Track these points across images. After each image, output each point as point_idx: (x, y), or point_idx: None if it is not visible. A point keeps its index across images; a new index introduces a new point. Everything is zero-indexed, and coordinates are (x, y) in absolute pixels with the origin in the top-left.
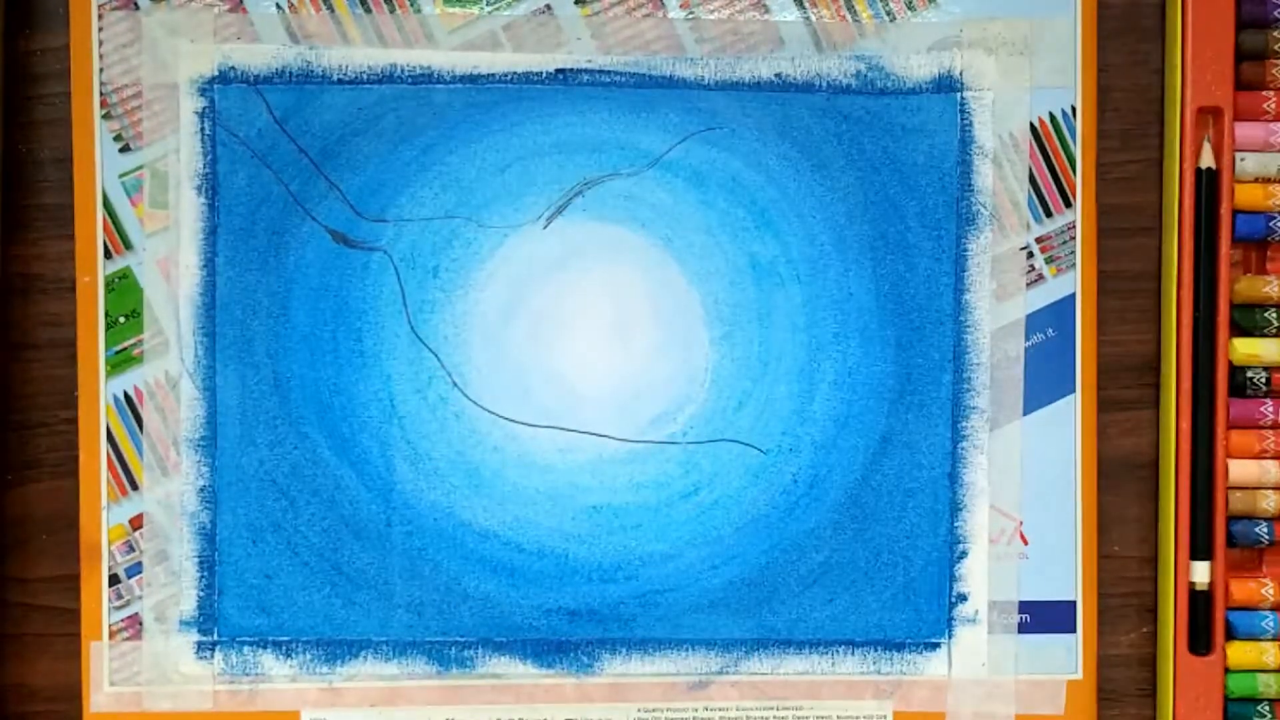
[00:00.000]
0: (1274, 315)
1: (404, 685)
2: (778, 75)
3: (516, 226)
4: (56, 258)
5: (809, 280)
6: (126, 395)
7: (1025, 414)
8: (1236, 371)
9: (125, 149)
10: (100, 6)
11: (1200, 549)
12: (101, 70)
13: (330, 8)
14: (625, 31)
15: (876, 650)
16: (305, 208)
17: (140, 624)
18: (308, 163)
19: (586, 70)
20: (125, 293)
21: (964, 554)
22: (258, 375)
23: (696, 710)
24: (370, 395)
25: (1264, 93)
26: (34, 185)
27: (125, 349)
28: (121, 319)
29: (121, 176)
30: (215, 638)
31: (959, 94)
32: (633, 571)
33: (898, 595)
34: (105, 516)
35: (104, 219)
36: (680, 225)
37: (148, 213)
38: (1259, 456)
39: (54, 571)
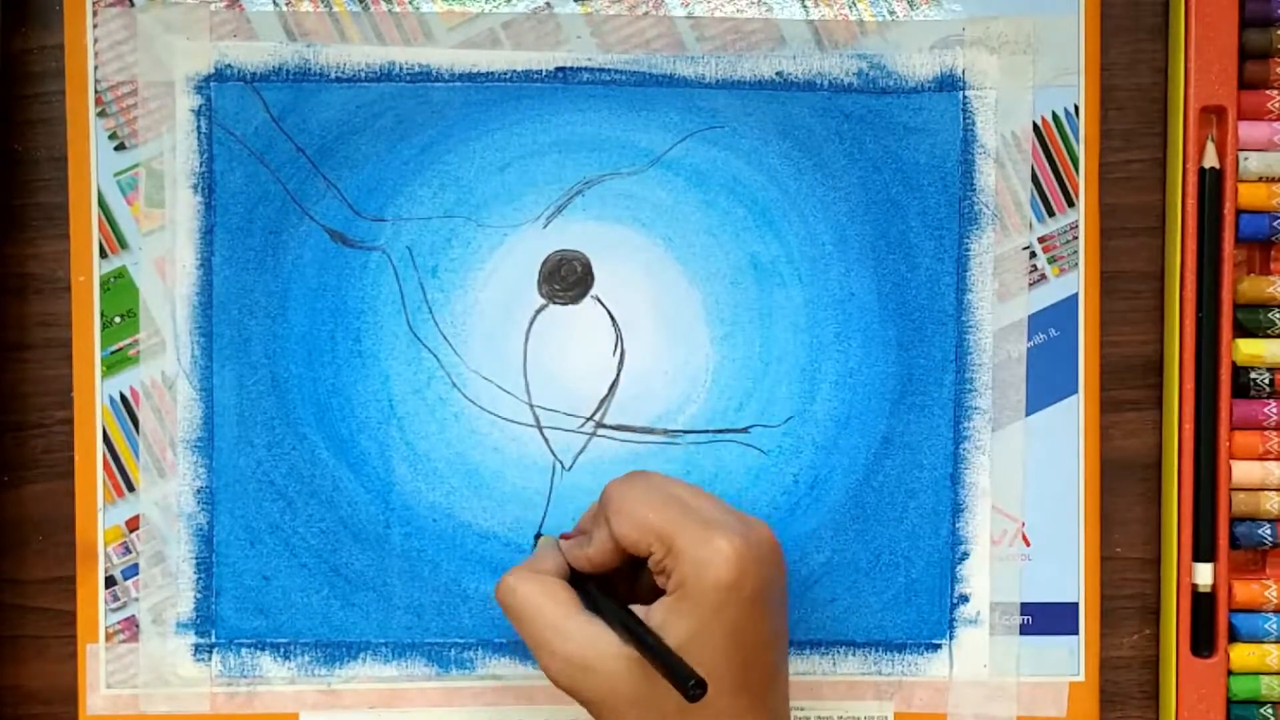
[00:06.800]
0: (1278, 316)
1: (403, 687)
2: (779, 74)
3: (516, 226)
4: (51, 257)
5: (810, 280)
6: (122, 396)
7: (1027, 415)
8: (1240, 372)
9: (120, 147)
10: (95, 4)
11: (1203, 551)
12: (96, 68)
13: (328, 5)
14: (625, 29)
15: (878, 651)
16: (303, 207)
17: (137, 626)
18: (305, 161)
19: (586, 69)
20: (121, 292)
21: (966, 555)
22: (255, 375)
23: None
24: (369, 396)
25: (1268, 92)
26: (29, 184)
27: (121, 349)
28: (117, 319)
29: (117, 175)
30: (213, 640)
31: (961, 93)
32: None
33: (899, 596)
34: (101, 518)
35: (99, 218)
36: (681, 225)
37: (143, 211)
38: (1262, 458)
39: (50, 574)
